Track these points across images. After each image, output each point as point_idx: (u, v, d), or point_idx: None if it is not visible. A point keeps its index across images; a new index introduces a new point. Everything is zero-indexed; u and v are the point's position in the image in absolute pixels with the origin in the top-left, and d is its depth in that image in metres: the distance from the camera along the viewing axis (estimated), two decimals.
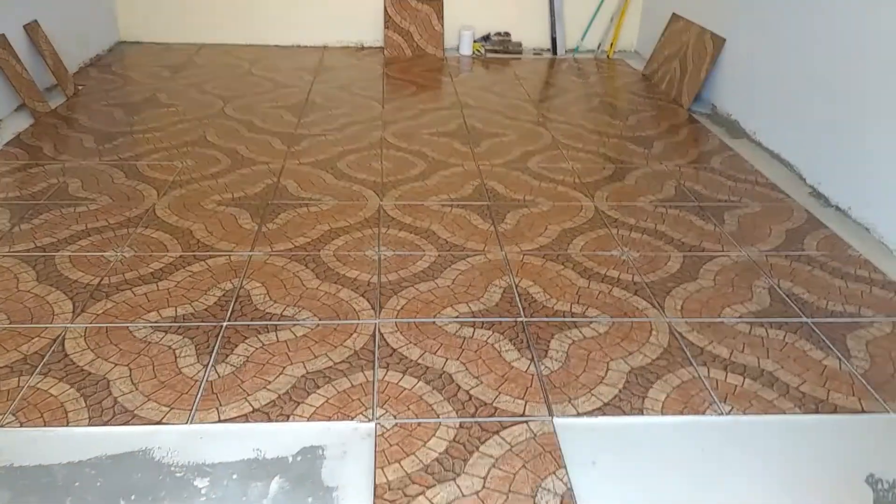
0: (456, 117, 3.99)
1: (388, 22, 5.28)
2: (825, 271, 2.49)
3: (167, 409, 1.76)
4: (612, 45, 5.41)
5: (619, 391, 1.88)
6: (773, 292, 2.35)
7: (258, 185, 3.03)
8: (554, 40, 5.40)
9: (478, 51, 5.36)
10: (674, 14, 4.71)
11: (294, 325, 2.11)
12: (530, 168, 3.32)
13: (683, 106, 4.21)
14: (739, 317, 2.22)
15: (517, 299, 2.27)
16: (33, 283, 2.27)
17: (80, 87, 4.23)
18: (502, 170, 3.29)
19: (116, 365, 1.91)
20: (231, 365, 1.92)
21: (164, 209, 2.79)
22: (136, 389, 1.82)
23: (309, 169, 3.22)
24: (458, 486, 1.56)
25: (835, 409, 1.84)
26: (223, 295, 2.24)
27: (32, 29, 3.95)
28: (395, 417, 1.76)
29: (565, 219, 2.84)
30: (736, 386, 1.91)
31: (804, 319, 2.21)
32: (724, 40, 4.02)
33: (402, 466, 1.61)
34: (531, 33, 5.49)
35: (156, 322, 2.10)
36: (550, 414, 1.79)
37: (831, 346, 2.08)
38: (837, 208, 2.97)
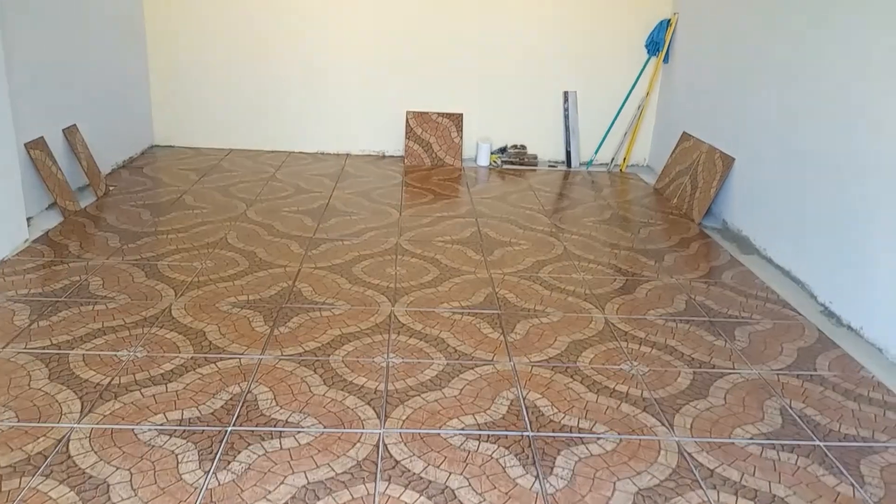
0: (470, 226, 4.08)
1: (410, 133, 5.51)
2: (838, 392, 2.45)
3: None
4: (624, 159, 5.58)
5: None
6: (784, 413, 2.31)
7: (273, 289, 3.10)
8: (568, 153, 5.58)
9: (494, 162, 5.55)
10: (684, 132, 4.88)
11: (298, 432, 2.10)
12: (542, 278, 3.36)
13: (694, 221, 4.29)
14: (751, 438, 2.17)
15: (524, 412, 2.25)
16: (45, 381, 2.30)
17: (111, 188, 4.41)
18: (514, 279, 3.34)
19: (118, 469, 1.90)
20: (232, 472, 1.91)
21: (179, 310, 2.85)
22: (136, 495, 1.81)
23: (324, 273, 3.29)
24: None
25: None
26: (231, 398, 2.25)
27: (71, 132, 4.18)
28: None
29: (575, 330, 2.85)
30: None
31: (817, 442, 2.16)
32: (734, 159, 4.15)
33: None
34: (546, 146, 5.69)
35: (161, 425, 2.10)
36: None
37: (844, 472, 2.03)
38: (849, 328, 2.96)
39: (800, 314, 3.09)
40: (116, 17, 4.85)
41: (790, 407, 2.35)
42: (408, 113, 5.52)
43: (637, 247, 3.86)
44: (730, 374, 2.55)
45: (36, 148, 3.77)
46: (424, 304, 3.02)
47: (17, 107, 3.56)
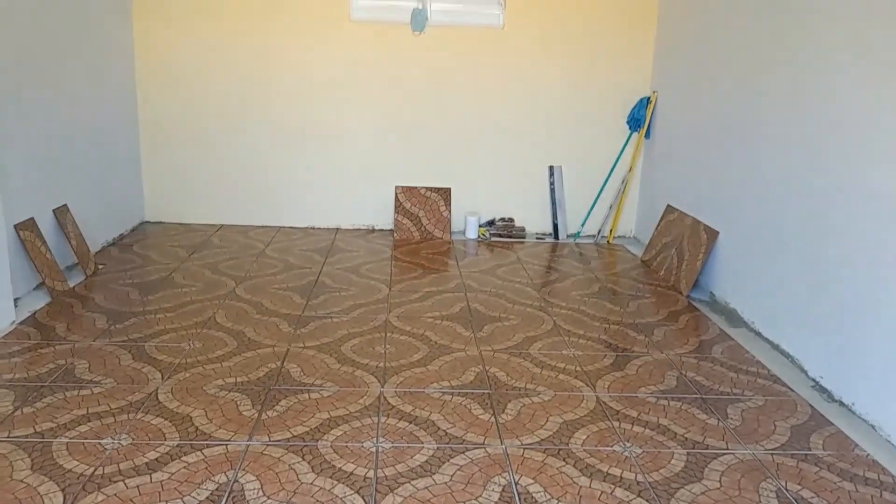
0: (460, 300, 4.09)
1: (399, 207, 5.58)
2: (833, 473, 2.43)
3: None
4: (611, 231, 5.66)
5: None
6: (781, 496, 2.28)
7: (262, 370, 3.07)
8: (556, 226, 5.66)
9: (483, 235, 5.61)
10: (668, 205, 4.97)
11: None
12: (532, 354, 3.36)
13: (682, 293, 4.32)
14: None
15: (517, 499, 2.21)
16: (27, 471, 2.24)
17: (100, 266, 4.41)
18: (504, 356, 3.33)
19: None
20: None
21: (166, 393, 2.81)
22: None
23: (313, 353, 3.27)
24: None
25: None
26: (216, 489, 2.20)
27: (61, 212, 4.20)
28: None
29: (567, 410, 2.82)
30: None
31: None
32: (718, 233, 4.22)
33: None
34: (534, 219, 5.77)
35: None
36: None
37: None
38: (841, 403, 2.95)
39: (791, 390, 3.09)
40: (110, 98, 4.95)
41: (786, 489, 2.32)
42: (397, 188, 5.60)
43: (626, 321, 3.87)
44: (724, 454, 2.53)
45: (26, 229, 3.78)
46: (414, 384, 2.99)
47: (8, 188, 3.60)
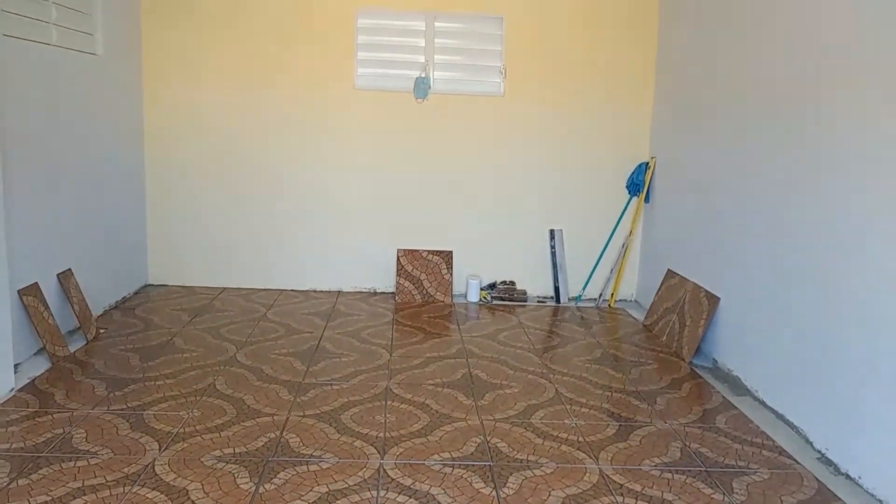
0: (461, 366, 4.07)
1: (400, 270, 5.60)
2: None
3: None
4: (612, 295, 5.66)
5: None
6: None
7: (260, 440, 3.04)
8: (557, 289, 5.67)
9: (484, 298, 5.62)
10: (669, 270, 4.99)
11: None
12: (534, 424, 3.32)
13: (685, 359, 4.30)
14: None
15: None
16: None
17: (101, 331, 4.41)
18: (505, 425, 3.29)
19: None
20: None
21: (163, 465, 2.77)
22: None
23: (313, 422, 3.24)
24: None
25: None
26: None
27: (65, 277, 4.23)
28: None
29: (569, 483, 2.78)
30: None
31: None
32: (718, 299, 4.22)
33: None
34: (535, 282, 5.78)
35: None
36: None
37: None
38: (848, 476, 2.90)
39: (797, 462, 3.04)
40: (117, 163, 5.04)
41: None
42: (399, 251, 5.64)
43: (629, 388, 3.84)
44: None
45: (29, 294, 3.80)
46: (414, 455, 2.96)
47: (14, 252, 3.63)
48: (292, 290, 5.67)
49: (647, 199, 5.54)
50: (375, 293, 5.73)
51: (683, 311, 4.58)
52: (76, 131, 4.38)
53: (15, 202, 3.68)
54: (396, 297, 5.56)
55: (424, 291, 5.60)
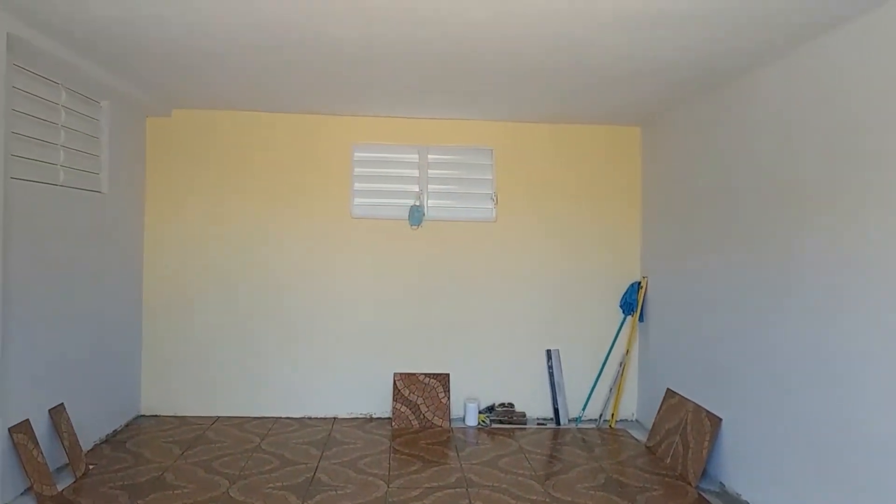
0: (462, 497, 3.95)
1: (397, 394, 5.54)
2: None
3: None
4: (613, 415, 5.58)
5: None
6: None
7: None
8: (556, 410, 5.59)
9: (483, 421, 5.52)
10: (668, 389, 4.96)
11: None
12: None
13: (691, 483, 4.18)
14: None
15: None
16: None
17: (90, 467, 4.29)
18: None
19: None
20: None
21: None
22: None
23: None
24: None
25: None
26: None
27: (57, 412, 4.16)
28: None
29: None
30: None
31: None
32: (720, 419, 4.17)
33: None
34: (534, 403, 5.71)
35: None
36: None
37: None
38: None
39: None
40: (114, 296, 5.08)
41: None
42: (395, 374, 5.60)
43: None
44: None
45: (20, 432, 3.73)
46: None
47: (6, 389, 3.60)
48: (287, 418, 5.57)
49: (641, 318, 5.59)
50: (372, 419, 5.63)
51: (686, 433, 4.51)
52: (77, 267, 4.46)
53: (12, 338, 3.69)
54: (393, 423, 5.46)
55: (422, 416, 5.51)
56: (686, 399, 4.67)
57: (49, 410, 4.10)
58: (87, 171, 4.59)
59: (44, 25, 3.49)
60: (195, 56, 3.99)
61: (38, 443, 3.87)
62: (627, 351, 5.64)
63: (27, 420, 3.84)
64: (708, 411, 4.34)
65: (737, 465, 4.01)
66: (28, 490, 3.78)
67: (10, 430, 3.66)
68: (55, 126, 4.18)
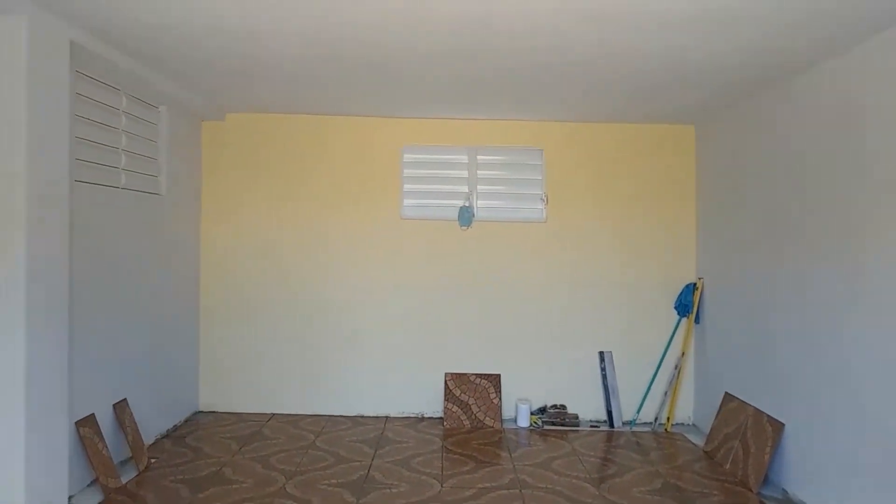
0: (515, 498, 3.92)
1: (448, 395, 5.54)
2: None
3: None
4: (668, 418, 5.47)
5: None
6: None
7: None
8: (610, 413, 5.51)
9: (535, 423, 5.48)
10: (727, 393, 4.83)
11: None
12: None
13: (752, 490, 4.07)
14: None
15: None
16: None
17: (152, 461, 4.41)
18: None
19: None
20: None
21: None
22: None
23: None
24: None
25: None
26: None
27: (121, 407, 4.29)
28: None
29: None
30: None
31: None
32: (783, 425, 4.05)
33: None
34: (587, 405, 5.64)
35: None
36: None
37: None
38: None
39: None
40: (175, 294, 5.22)
41: None
42: (446, 374, 5.60)
43: None
44: None
45: (86, 426, 3.86)
46: None
47: (74, 384, 3.73)
48: (340, 416, 5.62)
49: (697, 320, 5.47)
50: (423, 418, 5.64)
51: (746, 437, 4.38)
52: (138, 266, 4.59)
53: (78, 336, 3.82)
54: (445, 423, 5.46)
55: (473, 416, 5.50)
56: (746, 403, 4.55)
57: (113, 405, 4.23)
58: (146, 175, 4.72)
59: (104, 34, 3.60)
60: (249, 64, 4.07)
61: (103, 437, 4.00)
62: (683, 353, 5.52)
63: (93, 415, 3.97)
64: (769, 416, 4.21)
65: (801, 472, 3.88)
66: (94, 482, 3.91)
67: (76, 423, 3.78)
68: (116, 131, 4.31)
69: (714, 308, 5.23)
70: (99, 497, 3.78)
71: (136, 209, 4.55)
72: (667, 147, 5.69)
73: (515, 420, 5.56)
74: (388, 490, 4.02)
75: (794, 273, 4.03)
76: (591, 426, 5.52)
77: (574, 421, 5.50)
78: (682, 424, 5.60)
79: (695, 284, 5.48)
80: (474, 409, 5.52)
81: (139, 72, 4.15)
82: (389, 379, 5.69)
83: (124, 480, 4.05)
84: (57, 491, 3.38)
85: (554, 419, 5.50)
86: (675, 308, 5.56)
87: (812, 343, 3.81)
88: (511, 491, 4.04)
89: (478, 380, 5.61)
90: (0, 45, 3.08)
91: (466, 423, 5.48)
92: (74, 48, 3.54)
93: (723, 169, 5.11)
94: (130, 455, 4.28)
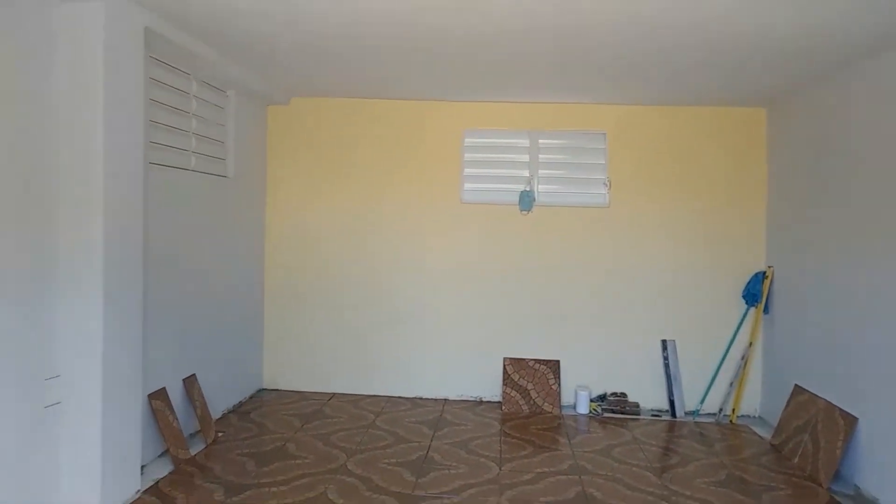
0: (574, 484, 3.90)
1: (507, 379, 5.53)
2: None
3: None
4: (734, 410, 5.33)
5: None
6: None
7: None
8: (672, 402, 5.40)
9: (594, 410, 5.42)
10: (796, 385, 4.67)
11: None
12: None
13: (822, 485, 3.93)
14: None
15: None
16: None
17: (219, 434, 4.55)
18: None
19: None
20: None
21: None
22: None
23: None
24: None
25: None
26: None
27: (190, 382, 4.44)
28: None
29: None
30: None
31: None
32: (857, 419, 3.89)
33: None
34: (648, 394, 5.55)
35: None
36: None
37: None
38: None
39: None
40: (242, 274, 5.36)
41: None
42: (505, 359, 5.59)
43: None
44: None
45: (158, 399, 4.01)
46: None
47: (148, 358, 3.88)
48: (399, 398, 5.69)
49: (766, 310, 5.29)
50: (481, 402, 5.65)
51: (816, 431, 4.23)
52: (206, 247, 4.73)
53: (151, 312, 3.97)
54: (503, 407, 5.46)
55: (532, 401, 5.48)
56: (817, 396, 4.39)
57: (183, 380, 4.39)
58: (214, 157, 4.85)
59: (177, 19, 3.69)
60: (314, 49, 4.12)
61: (173, 409, 4.15)
62: (751, 343, 5.36)
63: (164, 388, 4.13)
64: (842, 410, 4.05)
65: (875, 468, 3.73)
66: (164, 453, 4.07)
67: (148, 396, 3.94)
68: (187, 115, 4.43)
69: (785, 298, 5.05)
70: (169, 467, 3.94)
71: (204, 191, 4.68)
72: (736, 131, 5.50)
73: (574, 406, 5.51)
74: (447, 471, 4.05)
75: (872, 264, 3.85)
76: (653, 415, 5.43)
77: (635, 409, 5.42)
78: (748, 416, 5.45)
79: (764, 273, 5.30)
80: (533, 394, 5.50)
81: (209, 56, 4.25)
82: (448, 362, 5.71)
83: (193, 452, 4.20)
84: (130, 460, 3.53)
85: (614, 407, 5.43)
86: (743, 297, 5.40)
87: (890, 336, 3.64)
88: (570, 477, 4.02)
89: (537, 365, 5.59)
90: (79, 31, 3.20)
91: (525, 408, 5.46)
92: (148, 34, 3.64)
93: (798, 154, 4.90)
94: (199, 428, 4.44)
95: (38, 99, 3.08)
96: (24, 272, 3.02)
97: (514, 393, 5.51)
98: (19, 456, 2.98)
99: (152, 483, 3.71)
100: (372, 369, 5.76)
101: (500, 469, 4.11)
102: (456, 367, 5.71)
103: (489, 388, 5.69)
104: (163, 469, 3.91)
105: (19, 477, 2.97)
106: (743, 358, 5.36)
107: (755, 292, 5.30)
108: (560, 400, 5.50)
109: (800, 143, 4.86)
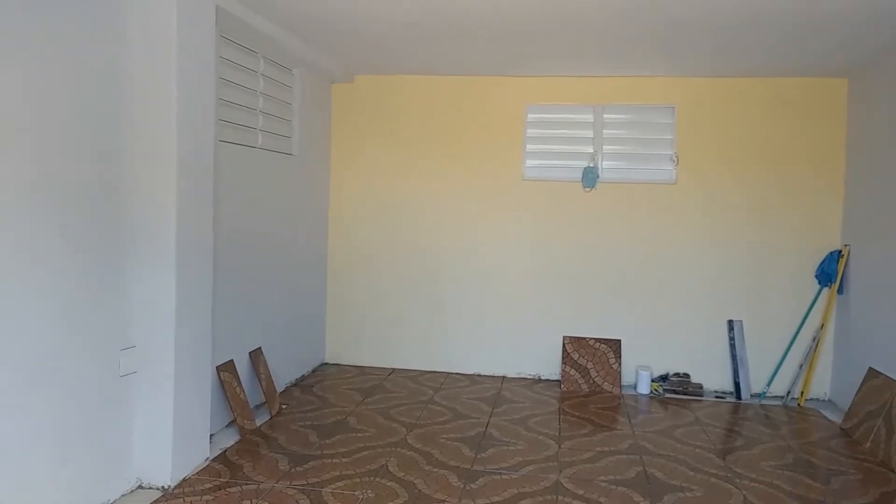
0: (635, 464, 3.86)
1: (566, 358, 5.50)
2: None
3: None
4: (802, 393, 5.17)
5: None
6: None
7: None
8: (737, 384, 5.27)
9: (656, 390, 5.34)
10: (871, 369, 4.49)
11: None
12: None
13: (894, 471, 3.78)
14: None
15: None
16: None
17: (283, 406, 4.68)
18: None
19: None
20: None
21: None
22: None
23: None
24: None
25: None
26: None
27: (256, 355, 4.57)
28: None
29: None
30: None
31: None
32: None
33: None
34: (712, 375, 5.43)
35: None
36: None
37: None
38: None
39: None
40: (306, 250, 5.46)
41: None
42: (565, 338, 5.55)
43: (829, 501, 3.43)
44: None
45: (226, 370, 4.15)
46: None
47: (216, 331, 4.00)
48: (458, 374, 5.73)
49: (840, 291, 5.08)
50: (540, 380, 5.64)
51: (891, 416, 4.07)
52: (272, 223, 4.83)
53: (220, 286, 4.09)
54: (562, 386, 5.43)
55: (591, 381, 5.43)
56: (892, 380, 4.21)
57: (249, 353, 4.52)
58: (280, 135, 4.93)
59: None
60: (378, 27, 4.13)
61: (240, 381, 4.28)
62: (822, 325, 5.17)
63: (231, 360, 4.26)
64: None
65: None
66: (231, 423, 4.21)
67: (217, 368, 4.07)
68: (255, 93, 4.51)
69: (861, 278, 4.84)
70: (236, 437, 4.08)
71: (270, 168, 4.77)
72: (813, 103, 5.26)
73: (635, 386, 5.44)
74: (506, 447, 4.06)
75: None
76: (717, 397, 5.31)
77: (698, 390, 5.31)
78: (817, 400, 5.27)
79: (840, 252, 5.09)
80: (592, 373, 5.45)
81: (276, 35, 4.31)
82: (507, 340, 5.71)
83: (258, 423, 4.34)
84: (200, 429, 3.67)
85: (676, 387, 5.34)
86: (816, 277, 5.20)
87: None
88: (630, 456, 3.98)
89: (597, 344, 5.53)
90: (152, 11, 3.28)
91: (584, 386, 5.42)
92: (219, 12, 3.71)
93: (881, 128, 4.66)
94: (264, 400, 4.57)
95: (112, 79, 3.18)
96: (103, 247, 3.14)
97: (573, 372, 5.47)
98: (97, 422, 3.13)
99: (220, 451, 3.85)
100: (431, 346, 5.81)
101: (560, 447, 4.10)
102: (514, 344, 5.71)
103: (547, 366, 5.67)
104: (230, 439, 4.05)
105: (95, 442, 3.12)
106: (814, 339, 5.18)
107: (829, 272, 5.10)
108: (620, 379, 5.43)
109: (883, 116, 4.61)
